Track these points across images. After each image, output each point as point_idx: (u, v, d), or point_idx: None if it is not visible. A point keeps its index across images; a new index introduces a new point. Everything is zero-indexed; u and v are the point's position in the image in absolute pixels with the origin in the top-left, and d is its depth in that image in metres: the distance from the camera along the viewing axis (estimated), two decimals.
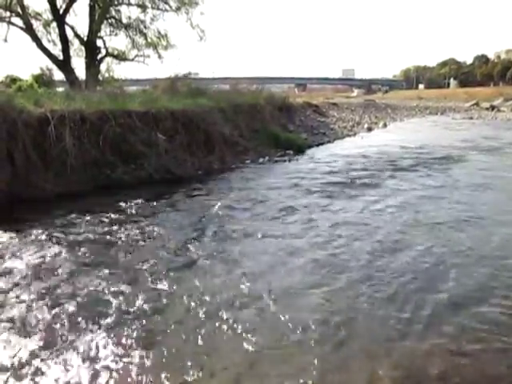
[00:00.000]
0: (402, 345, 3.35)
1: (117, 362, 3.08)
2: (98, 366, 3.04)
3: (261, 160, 12.13)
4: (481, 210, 7.00)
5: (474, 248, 5.30)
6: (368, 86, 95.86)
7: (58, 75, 17.86)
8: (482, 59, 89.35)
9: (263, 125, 14.63)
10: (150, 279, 4.38)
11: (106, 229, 5.94)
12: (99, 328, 3.50)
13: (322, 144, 16.40)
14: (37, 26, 16.67)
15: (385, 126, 25.52)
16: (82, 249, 5.15)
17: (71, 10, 16.51)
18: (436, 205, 7.42)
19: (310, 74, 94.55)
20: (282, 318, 3.66)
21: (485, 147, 15.01)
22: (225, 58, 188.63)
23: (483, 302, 4.00)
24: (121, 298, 3.98)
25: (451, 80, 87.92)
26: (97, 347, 3.25)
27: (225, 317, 3.68)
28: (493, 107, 45.91)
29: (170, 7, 18.14)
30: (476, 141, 16.88)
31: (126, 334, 3.43)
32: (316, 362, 3.09)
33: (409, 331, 3.52)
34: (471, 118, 32.94)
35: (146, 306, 3.85)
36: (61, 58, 16.57)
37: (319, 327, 3.54)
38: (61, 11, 16.26)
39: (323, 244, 5.45)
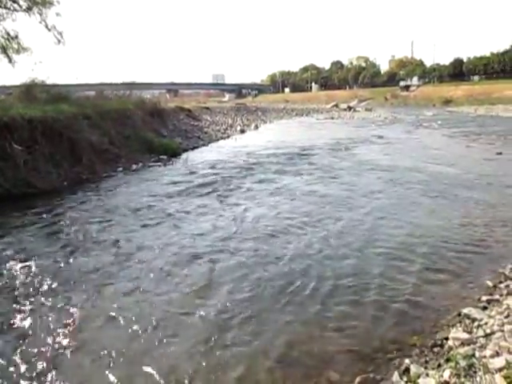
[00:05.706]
0: None
1: None
2: None
3: (134, 167, 11.70)
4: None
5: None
6: (238, 90, 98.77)
7: None
8: (338, 65, 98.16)
9: (135, 131, 14.12)
10: None
11: None
12: None
13: (196, 147, 16.48)
14: None
15: (256, 127, 26.58)
16: None
17: None
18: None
19: (180, 79, 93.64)
20: None
21: (341, 142, 16.66)
22: (89, 64, 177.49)
23: None
24: None
25: (313, 84, 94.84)
26: None
27: None
28: (350, 108, 50.94)
29: (20, 6, 16.45)
30: (335, 137, 18.68)
31: None
32: None
33: None
34: (332, 118, 36.01)
35: None
36: None
37: None
38: None
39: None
